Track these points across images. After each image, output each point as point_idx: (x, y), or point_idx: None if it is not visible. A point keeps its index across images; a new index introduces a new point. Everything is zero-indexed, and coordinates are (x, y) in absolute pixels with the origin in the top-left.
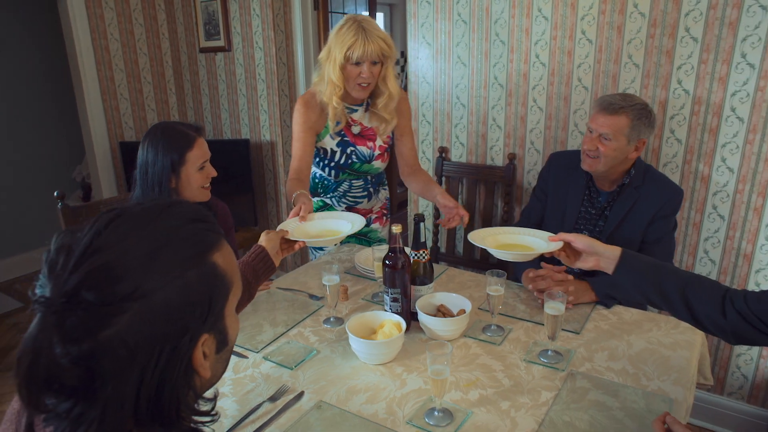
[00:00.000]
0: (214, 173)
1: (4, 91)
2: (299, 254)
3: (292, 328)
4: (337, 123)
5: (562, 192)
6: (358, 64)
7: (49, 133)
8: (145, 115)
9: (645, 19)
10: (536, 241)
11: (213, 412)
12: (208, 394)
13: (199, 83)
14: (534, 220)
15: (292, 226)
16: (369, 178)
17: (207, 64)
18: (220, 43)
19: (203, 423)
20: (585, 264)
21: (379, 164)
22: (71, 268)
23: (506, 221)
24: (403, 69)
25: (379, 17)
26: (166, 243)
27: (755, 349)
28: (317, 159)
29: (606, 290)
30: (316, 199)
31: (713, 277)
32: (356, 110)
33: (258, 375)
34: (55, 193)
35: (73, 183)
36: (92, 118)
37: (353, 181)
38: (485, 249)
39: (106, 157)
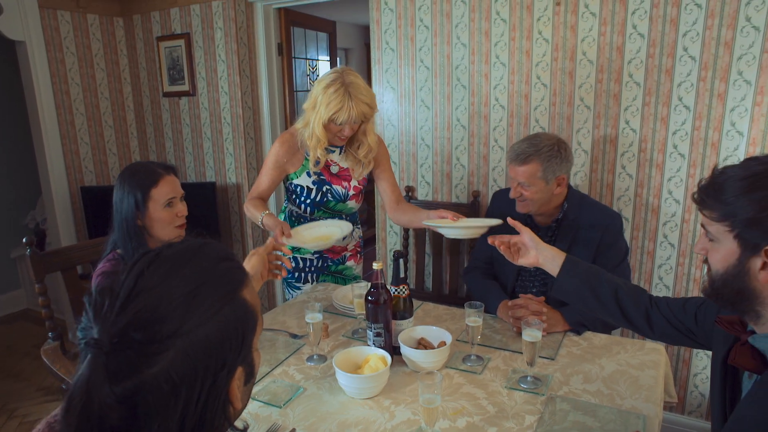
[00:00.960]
0: (185, 212)
1: None
2: (270, 293)
3: (276, 367)
4: (317, 163)
5: (506, 229)
6: (341, 124)
7: None
8: (106, 159)
9: (593, 65)
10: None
11: None
12: (238, 424)
13: (162, 127)
14: (483, 258)
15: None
16: (343, 216)
17: (171, 108)
18: (185, 87)
19: None
20: (526, 260)
21: (353, 204)
22: (118, 310)
23: None
24: None
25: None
26: (204, 282)
27: (709, 368)
28: (293, 196)
29: (578, 318)
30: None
31: None
32: (334, 151)
33: (246, 414)
34: (24, 239)
35: (25, 229)
36: (51, 162)
37: (328, 219)
38: (439, 231)
39: (65, 202)
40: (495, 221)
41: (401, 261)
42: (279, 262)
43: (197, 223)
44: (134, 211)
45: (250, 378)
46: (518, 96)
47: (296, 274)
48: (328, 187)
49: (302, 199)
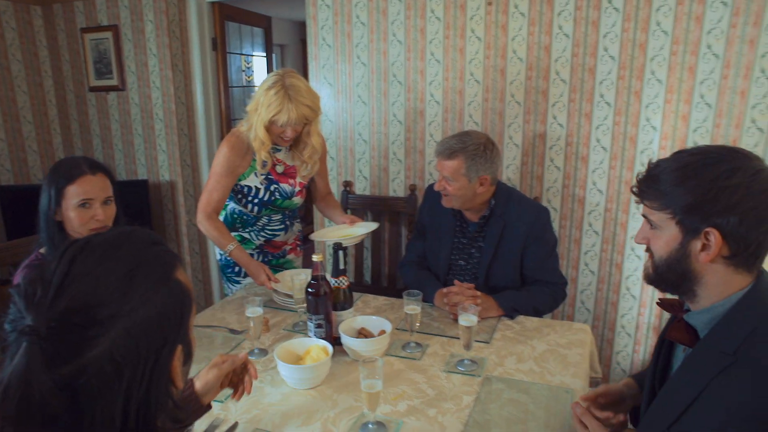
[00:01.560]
0: (101, 216)
1: None
2: (207, 290)
3: None
4: (264, 164)
5: (437, 224)
6: (282, 126)
7: None
8: (25, 157)
9: (523, 63)
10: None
11: (187, 421)
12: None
13: (89, 123)
14: (417, 252)
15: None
16: (287, 212)
17: (98, 103)
18: (113, 82)
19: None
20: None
21: (298, 200)
22: (53, 296)
23: None
24: None
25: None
26: (139, 264)
27: (630, 346)
28: (239, 196)
29: (510, 304)
30: (233, 234)
31: (594, 284)
32: (280, 150)
33: None
34: None
35: None
36: None
37: (272, 216)
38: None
39: None
40: (374, 225)
41: (341, 253)
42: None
43: (129, 221)
44: (47, 205)
45: (188, 358)
46: (452, 92)
47: (236, 269)
48: (275, 186)
49: (250, 199)
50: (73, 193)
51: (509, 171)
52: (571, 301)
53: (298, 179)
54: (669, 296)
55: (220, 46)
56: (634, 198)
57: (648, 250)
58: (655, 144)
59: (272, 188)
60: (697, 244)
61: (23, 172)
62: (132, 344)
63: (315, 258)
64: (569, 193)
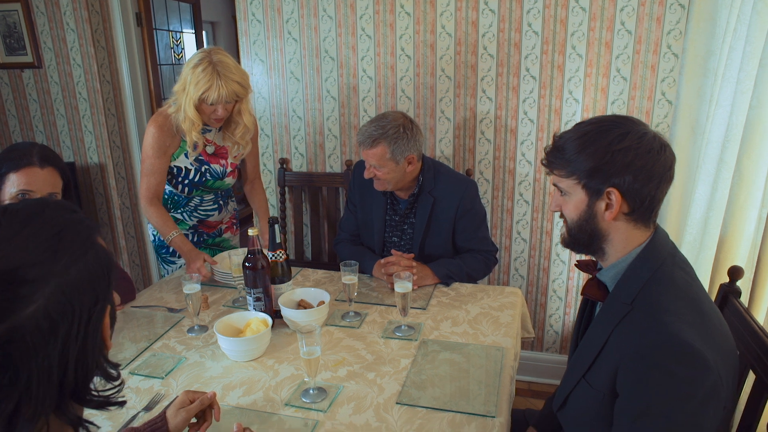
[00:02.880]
0: None
1: None
2: (145, 272)
3: (155, 341)
4: (195, 146)
5: (368, 202)
6: (212, 104)
7: None
8: None
9: (452, 38)
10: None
11: (119, 383)
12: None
13: (3, 103)
14: (350, 230)
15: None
16: (220, 192)
17: (12, 82)
18: (27, 59)
19: (112, 393)
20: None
21: (230, 180)
22: None
23: None
24: None
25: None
26: (65, 227)
27: (561, 309)
28: (169, 177)
29: (445, 271)
30: None
31: (526, 251)
32: (210, 130)
33: (126, 390)
34: None
35: None
36: None
37: (204, 196)
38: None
39: None
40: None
41: (276, 227)
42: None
43: None
44: None
45: (113, 320)
46: (384, 67)
47: (171, 249)
48: (206, 167)
49: (180, 179)
50: (14, 182)
51: (442, 144)
52: (505, 268)
53: (230, 160)
54: (584, 258)
55: (145, 22)
56: (544, 169)
57: (562, 216)
58: (578, 116)
59: (203, 169)
60: (602, 204)
61: None
62: (66, 301)
63: (251, 232)
64: (500, 165)
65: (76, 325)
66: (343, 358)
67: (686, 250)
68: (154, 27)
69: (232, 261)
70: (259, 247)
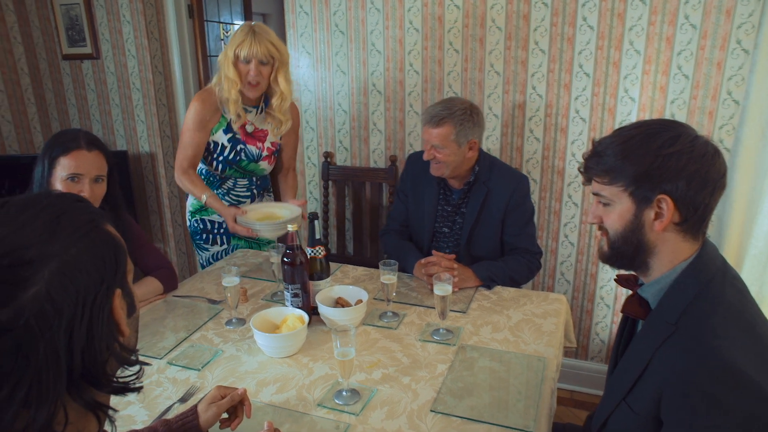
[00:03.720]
0: (87, 193)
1: None
2: (192, 264)
3: (194, 332)
4: (239, 116)
5: (420, 192)
6: (247, 62)
7: None
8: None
9: (502, 32)
10: (285, 213)
11: (138, 370)
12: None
13: (64, 92)
14: (399, 220)
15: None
16: (254, 179)
17: (72, 72)
18: (87, 50)
19: (130, 379)
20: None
21: (265, 165)
22: None
23: None
24: None
25: None
26: (64, 212)
27: (609, 317)
28: (205, 153)
29: (487, 273)
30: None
31: (573, 256)
32: (251, 111)
33: (164, 380)
34: None
35: None
36: None
37: (238, 179)
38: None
39: None
40: (298, 210)
41: (316, 222)
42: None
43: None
44: (41, 174)
45: (132, 310)
46: (432, 62)
47: (204, 236)
48: (242, 146)
49: (215, 156)
50: (65, 166)
51: (489, 142)
52: (551, 272)
53: (267, 144)
54: (624, 273)
55: (196, 14)
56: (581, 178)
57: (601, 228)
58: (633, 115)
59: (238, 147)
60: (650, 213)
61: None
62: (68, 282)
63: (290, 228)
64: (549, 165)
65: (80, 306)
66: (379, 359)
67: (750, 264)
68: (205, 19)
69: (271, 256)
70: (297, 243)
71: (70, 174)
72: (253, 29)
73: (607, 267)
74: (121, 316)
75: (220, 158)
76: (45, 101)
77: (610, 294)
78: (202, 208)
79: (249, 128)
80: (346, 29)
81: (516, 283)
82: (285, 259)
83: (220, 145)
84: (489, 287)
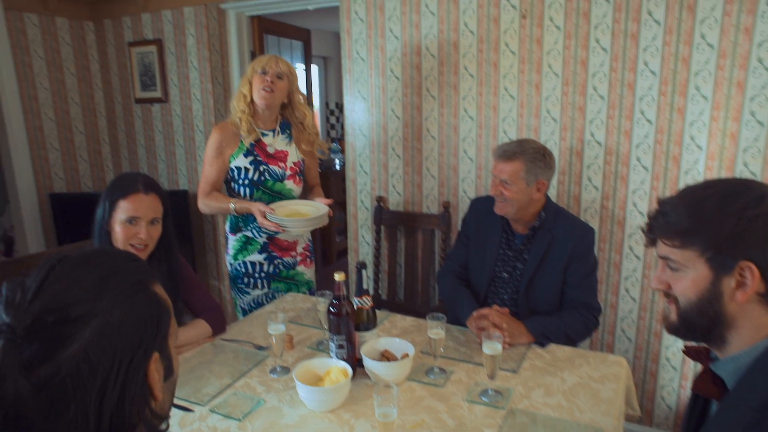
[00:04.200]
0: (143, 235)
1: None
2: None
3: (238, 379)
4: (249, 132)
5: (482, 235)
6: (264, 74)
7: None
8: (77, 166)
9: (558, 78)
10: (312, 210)
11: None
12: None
13: (135, 134)
14: (458, 261)
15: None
16: (282, 198)
17: (143, 114)
18: (157, 94)
19: None
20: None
21: (291, 185)
22: (30, 298)
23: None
24: (338, 119)
25: (314, 70)
26: (114, 272)
27: (676, 380)
28: (232, 184)
29: (541, 329)
30: (238, 234)
31: (635, 312)
32: (267, 134)
33: (205, 428)
34: None
35: None
36: (18, 167)
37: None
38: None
39: (33, 209)
40: (325, 208)
41: (364, 272)
42: None
43: (178, 242)
44: (102, 215)
45: (169, 374)
46: (486, 107)
47: (246, 280)
48: (264, 167)
49: (240, 181)
50: (124, 209)
51: None
52: (610, 328)
53: (289, 163)
54: (694, 344)
55: None
56: (643, 240)
57: (668, 295)
58: (700, 164)
59: (261, 168)
60: (731, 282)
61: (74, 181)
62: (106, 343)
63: (337, 277)
64: (608, 215)
65: (115, 369)
66: (422, 420)
67: None
68: None
69: (318, 303)
70: (344, 293)
71: (129, 217)
72: (274, 55)
73: None
74: (156, 380)
75: (246, 181)
76: (118, 141)
77: (677, 356)
78: (243, 249)
79: (270, 149)
80: (401, 74)
81: (572, 341)
82: (331, 309)
83: (243, 168)
84: (543, 345)
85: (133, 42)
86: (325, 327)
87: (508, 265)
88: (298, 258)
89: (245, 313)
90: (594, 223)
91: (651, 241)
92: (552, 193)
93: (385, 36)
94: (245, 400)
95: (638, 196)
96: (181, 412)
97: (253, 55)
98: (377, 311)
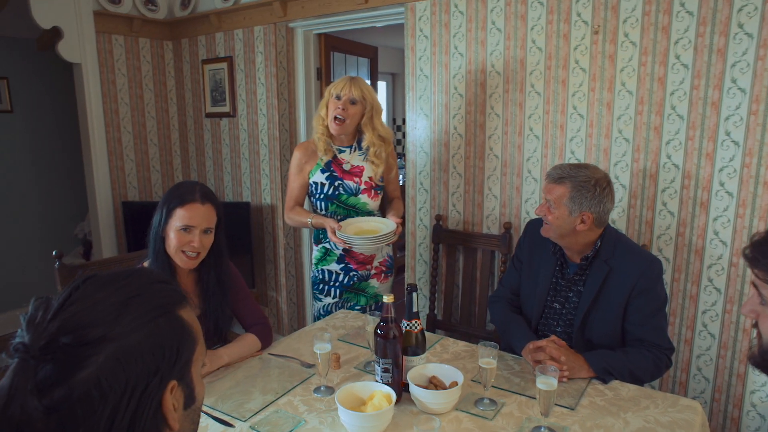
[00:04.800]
0: (197, 243)
1: (16, 148)
2: (301, 315)
3: (281, 396)
4: (325, 151)
5: (536, 260)
6: (338, 99)
7: (54, 189)
8: (149, 176)
9: (633, 96)
10: (381, 227)
11: None
12: None
13: (204, 146)
14: (510, 287)
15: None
16: (357, 213)
17: (212, 128)
18: (226, 108)
19: None
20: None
21: (366, 199)
22: (50, 318)
23: None
24: (405, 135)
25: (381, 86)
26: (138, 294)
27: (764, 430)
28: (311, 198)
29: (603, 365)
30: (319, 246)
31: (714, 350)
32: (344, 151)
33: None
34: (54, 252)
35: (75, 239)
36: (97, 176)
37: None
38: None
39: (108, 216)
40: (393, 226)
41: (414, 295)
42: None
43: (231, 241)
44: (158, 222)
45: (190, 402)
46: (553, 126)
47: (321, 286)
48: (339, 182)
49: (317, 195)
50: (180, 216)
51: (614, 213)
52: (684, 366)
53: (364, 178)
54: None
55: (324, 76)
56: (724, 260)
57: (755, 325)
58: None
59: (336, 183)
60: None
61: (147, 190)
62: (119, 369)
63: (385, 299)
64: (685, 243)
65: (128, 396)
66: None
67: None
68: (332, 80)
69: (367, 323)
70: (392, 315)
71: (184, 225)
72: (352, 77)
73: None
74: (171, 410)
75: (321, 196)
76: (188, 154)
77: (765, 402)
78: (323, 259)
79: (346, 166)
80: (465, 92)
81: (638, 381)
82: (378, 332)
83: (319, 184)
84: (605, 381)
85: (206, 59)
86: (373, 348)
87: (561, 296)
88: (373, 271)
89: (315, 319)
90: (668, 252)
91: (752, 267)
92: (622, 217)
93: (450, 53)
94: (286, 419)
95: (720, 224)
96: (222, 427)
97: (319, 73)
98: (431, 334)
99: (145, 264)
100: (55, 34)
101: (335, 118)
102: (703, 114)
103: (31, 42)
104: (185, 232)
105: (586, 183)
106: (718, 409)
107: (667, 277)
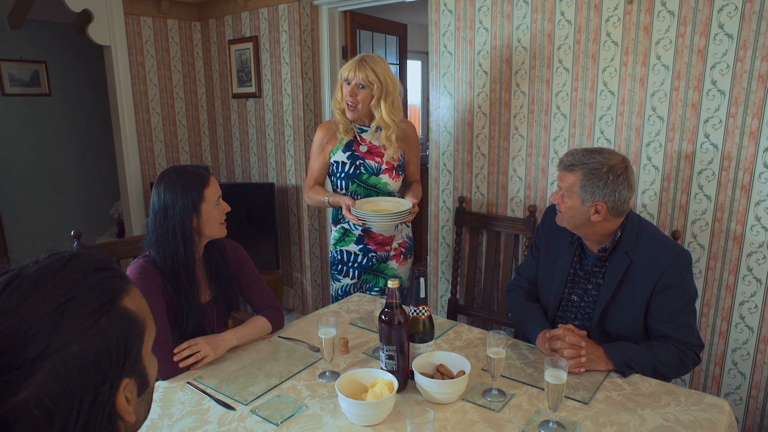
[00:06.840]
0: (228, 208)
1: (55, 130)
2: (325, 296)
3: (286, 380)
4: (346, 132)
5: (554, 249)
6: (348, 84)
7: (91, 170)
8: (178, 157)
9: (669, 71)
10: (397, 206)
11: None
12: None
13: (231, 128)
14: (528, 275)
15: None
16: (379, 193)
17: (239, 109)
18: (251, 89)
19: None
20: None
21: (387, 179)
22: None
23: None
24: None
25: (416, 65)
26: (73, 296)
27: None
28: (331, 177)
29: (623, 358)
30: (338, 226)
31: (751, 343)
32: (366, 130)
33: (242, 429)
34: (72, 232)
35: (110, 219)
36: (128, 158)
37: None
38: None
39: (138, 196)
40: (408, 205)
41: (422, 280)
42: None
43: (256, 222)
44: (191, 212)
45: (144, 388)
46: (581, 104)
47: (339, 267)
48: (360, 161)
49: (338, 174)
50: (211, 193)
51: (645, 197)
52: (718, 359)
53: (385, 158)
54: None
55: (350, 54)
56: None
57: None
58: None
59: (357, 162)
60: None
61: None
62: (62, 385)
63: (390, 284)
64: (722, 229)
65: (75, 410)
66: None
67: None
68: None
69: (376, 308)
70: (397, 301)
71: (217, 198)
72: (362, 57)
73: None
74: (126, 407)
75: (342, 174)
76: (216, 135)
77: None
78: (341, 239)
79: (363, 148)
80: (490, 69)
81: (663, 377)
82: (382, 317)
83: (340, 163)
84: (624, 374)
85: (232, 40)
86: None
87: (579, 288)
88: (392, 253)
89: (333, 300)
90: (703, 238)
91: None
92: (654, 201)
93: (474, 28)
94: (288, 403)
95: (763, 209)
96: (223, 409)
97: (344, 51)
98: (446, 319)
99: (151, 252)
100: (87, 17)
101: (346, 103)
102: (747, 89)
103: (68, 26)
104: (219, 205)
105: (598, 170)
106: (755, 407)
107: (701, 266)
